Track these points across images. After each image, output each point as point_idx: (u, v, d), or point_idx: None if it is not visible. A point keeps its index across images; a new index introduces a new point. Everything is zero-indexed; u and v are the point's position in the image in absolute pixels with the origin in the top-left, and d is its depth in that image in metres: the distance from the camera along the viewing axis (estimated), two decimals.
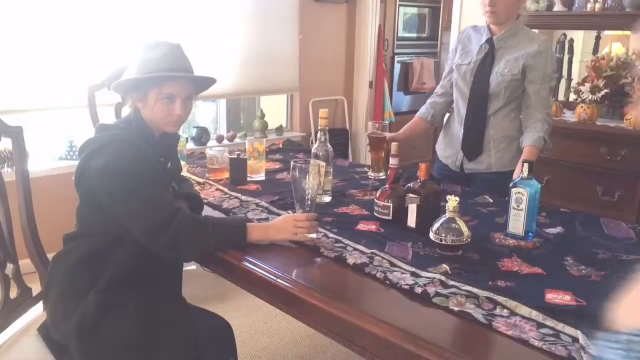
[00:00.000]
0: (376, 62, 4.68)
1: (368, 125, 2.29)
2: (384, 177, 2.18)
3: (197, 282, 2.95)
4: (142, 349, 1.41)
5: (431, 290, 1.23)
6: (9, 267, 1.61)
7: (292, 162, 1.57)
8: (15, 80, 2.95)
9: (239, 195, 1.95)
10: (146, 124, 1.54)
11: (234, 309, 2.74)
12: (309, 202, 1.55)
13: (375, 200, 1.72)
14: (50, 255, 1.67)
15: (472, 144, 2.23)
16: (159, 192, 1.46)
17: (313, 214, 1.53)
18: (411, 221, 1.61)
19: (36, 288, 1.70)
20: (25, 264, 1.67)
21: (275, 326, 2.65)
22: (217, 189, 2.03)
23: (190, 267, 2.55)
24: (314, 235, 1.52)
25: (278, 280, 1.33)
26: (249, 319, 2.70)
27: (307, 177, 1.53)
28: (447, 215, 1.46)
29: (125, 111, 1.64)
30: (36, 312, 1.65)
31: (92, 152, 1.46)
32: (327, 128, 1.89)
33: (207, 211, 1.77)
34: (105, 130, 1.55)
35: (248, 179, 2.13)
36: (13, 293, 1.61)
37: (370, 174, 2.24)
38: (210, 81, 1.62)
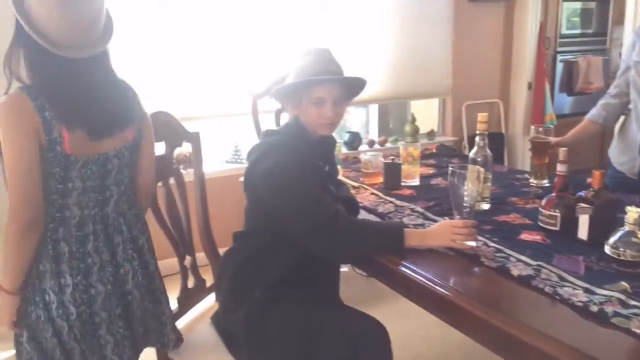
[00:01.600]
0: (536, 62, 4.41)
1: (531, 129, 2.16)
2: (547, 184, 2.04)
3: (349, 284, 3.00)
4: (301, 346, 1.47)
5: (609, 309, 1.13)
6: (187, 259, 1.78)
7: (449, 168, 1.53)
8: (190, 90, 3.27)
9: (393, 200, 1.96)
10: (305, 129, 1.61)
11: (386, 312, 2.69)
12: (467, 209, 1.50)
13: (540, 209, 1.62)
14: (220, 251, 1.82)
15: None
16: (319, 194, 1.51)
17: (472, 221, 1.49)
18: (582, 233, 1.49)
19: (209, 280, 1.86)
20: (198, 257, 1.83)
21: (430, 334, 2.61)
22: (372, 193, 2.06)
23: (343, 269, 2.61)
24: (473, 243, 1.48)
25: (437, 287, 1.31)
26: (402, 324, 2.68)
27: (466, 183, 1.49)
28: (627, 228, 1.33)
29: (284, 117, 1.76)
30: (209, 302, 1.81)
31: (258, 156, 1.56)
32: (486, 132, 1.83)
33: (362, 215, 1.81)
34: (270, 135, 1.65)
35: (402, 183, 2.13)
36: (190, 283, 1.78)
37: (532, 181, 2.11)
38: (359, 82, 1.63)
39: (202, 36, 3.25)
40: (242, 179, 1.64)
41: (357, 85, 1.64)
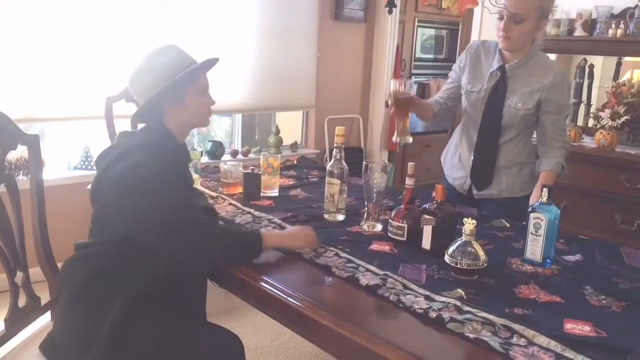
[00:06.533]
0: None
1: (391, 83, 2.05)
2: (411, 141, 2.02)
3: (208, 297, 2.92)
4: None
5: (446, 315, 1.20)
6: (19, 275, 1.59)
7: (364, 163, 1.75)
8: (33, 89, 2.97)
9: (252, 210, 1.93)
10: (170, 133, 1.53)
11: (241, 325, 2.70)
12: (375, 196, 1.76)
13: (390, 221, 1.70)
14: (60, 265, 1.65)
15: (482, 174, 2.17)
16: (181, 195, 1.43)
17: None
18: (426, 243, 1.58)
19: (44, 297, 1.68)
20: (34, 272, 1.65)
21: (283, 345, 2.61)
22: (230, 204, 2.02)
23: None
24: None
25: (289, 298, 1.31)
26: (257, 336, 2.66)
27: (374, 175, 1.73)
28: (464, 238, 1.43)
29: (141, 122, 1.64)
30: (44, 322, 1.63)
31: (114, 158, 1.43)
32: (343, 146, 1.87)
33: None
34: (127, 137, 1.53)
35: (262, 194, 2.11)
36: (21, 301, 1.59)
37: (395, 137, 2.04)
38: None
39: (47, 31, 2.98)
40: (89, 187, 1.51)
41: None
